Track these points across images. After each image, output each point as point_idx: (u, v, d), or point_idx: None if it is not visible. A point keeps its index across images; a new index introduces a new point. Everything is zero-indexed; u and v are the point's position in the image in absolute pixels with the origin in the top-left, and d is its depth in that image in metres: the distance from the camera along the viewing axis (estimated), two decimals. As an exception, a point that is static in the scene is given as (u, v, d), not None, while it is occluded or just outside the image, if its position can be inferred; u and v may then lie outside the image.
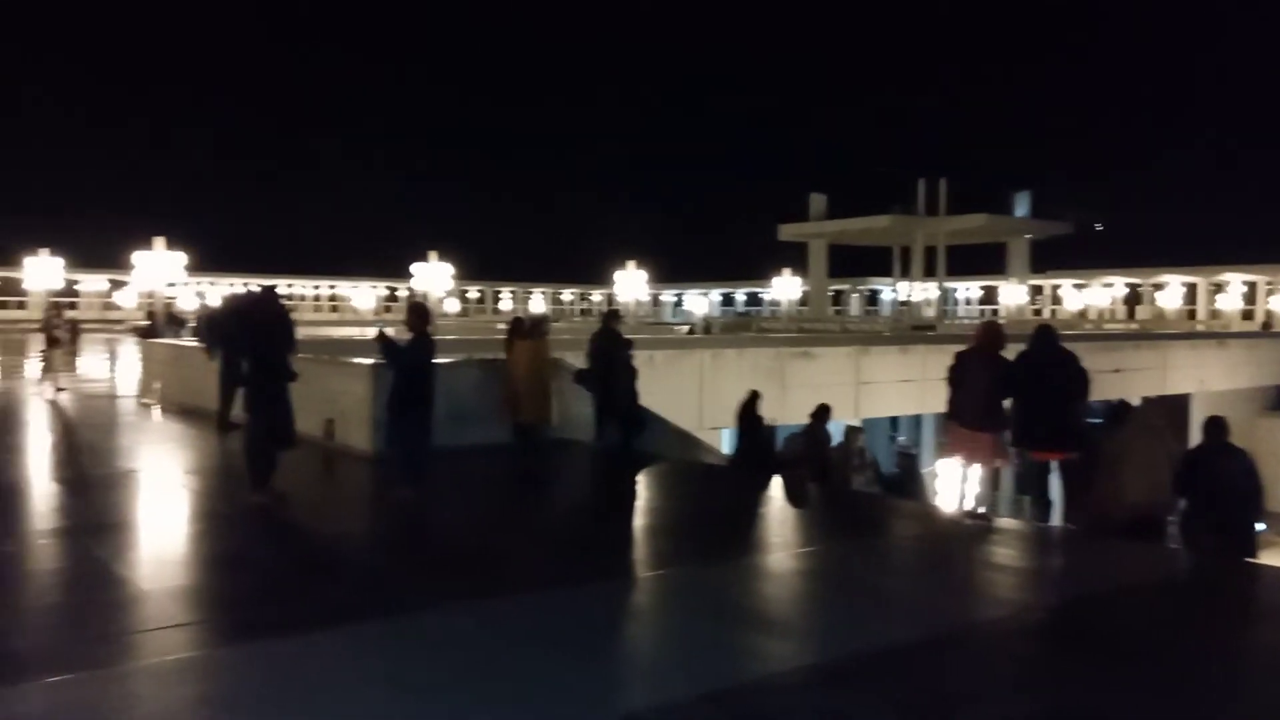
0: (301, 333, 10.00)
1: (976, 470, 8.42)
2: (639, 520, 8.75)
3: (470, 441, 11.03)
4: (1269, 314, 50.45)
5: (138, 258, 34.65)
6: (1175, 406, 27.69)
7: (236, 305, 10.56)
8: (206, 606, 5.86)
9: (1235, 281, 53.29)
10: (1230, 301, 53.91)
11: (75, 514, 8.31)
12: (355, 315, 63.00)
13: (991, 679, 4.81)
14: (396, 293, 66.57)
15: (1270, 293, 52.13)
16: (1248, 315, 53.08)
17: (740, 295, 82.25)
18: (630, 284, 46.51)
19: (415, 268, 44.00)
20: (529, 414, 10.96)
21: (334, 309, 68.60)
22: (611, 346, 11.12)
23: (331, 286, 70.14)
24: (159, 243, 34.33)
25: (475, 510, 8.85)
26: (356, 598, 5.89)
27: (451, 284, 46.55)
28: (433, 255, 43.49)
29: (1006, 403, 8.61)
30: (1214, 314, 54.43)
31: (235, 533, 7.70)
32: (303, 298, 67.19)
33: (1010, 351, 8.95)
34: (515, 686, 4.48)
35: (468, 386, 11.41)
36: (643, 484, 10.25)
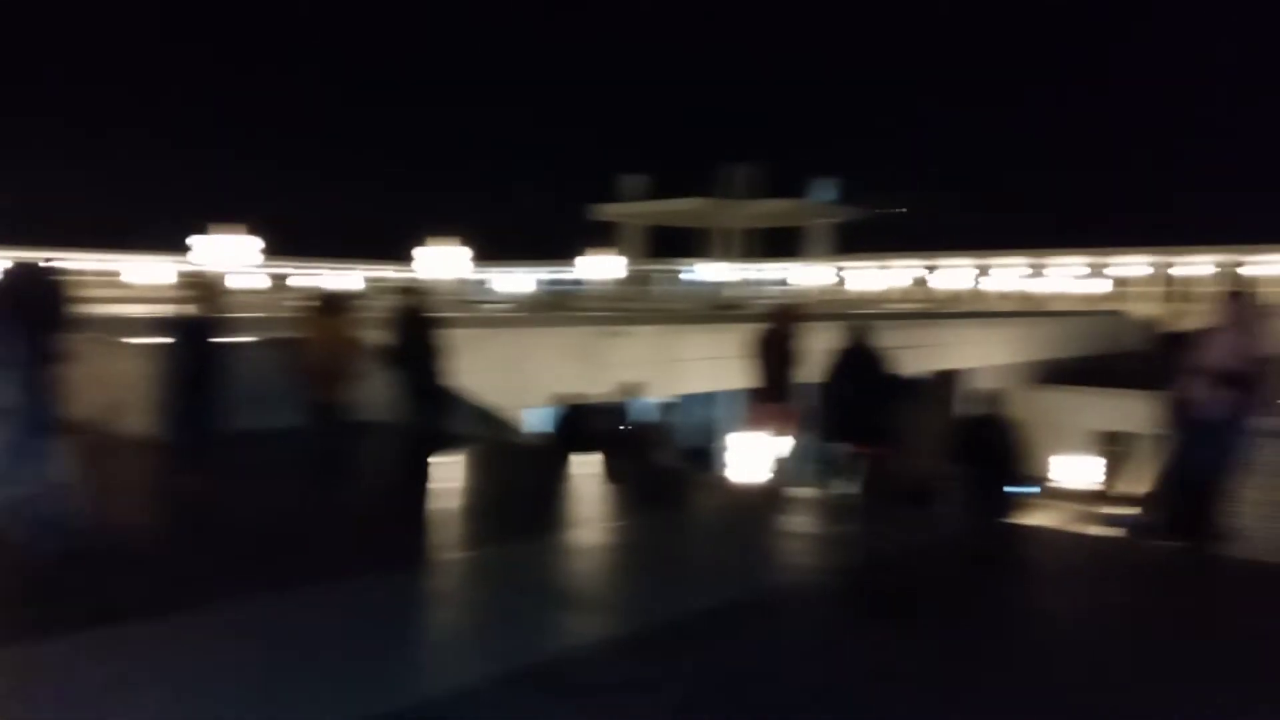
0: (79, 310, 9.18)
1: (778, 441, 8.79)
2: (445, 502, 8.60)
3: (267, 425, 10.47)
4: (1036, 295, 55.22)
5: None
6: (954, 380, 29.95)
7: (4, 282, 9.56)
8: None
9: (1008, 266, 57.91)
10: (1003, 284, 58.61)
11: None
12: (138, 292, 58.52)
13: (789, 642, 5.03)
14: (186, 269, 62.32)
15: (1035, 276, 56.97)
16: (1022, 296, 57.92)
17: (556, 275, 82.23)
18: (442, 262, 45.50)
19: (204, 241, 41.27)
20: (329, 395, 10.49)
21: (115, 285, 63.47)
22: (416, 325, 10.82)
23: (108, 261, 64.77)
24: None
25: (272, 496, 8.44)
26: (138, 592, 5.48)
27: (251, 260, 44.00)
28: (229, 230, 40.96)
29: (805, 382, 9.04)
30: (991, 295, 59.01)
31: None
32: (80, 273, 61.78)
33: (811, 330, 9.39)
34: (310, 677, 4.31)
35: (264, 367, 10.82)
36: (450, 465, 10.07)
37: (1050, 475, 30.51)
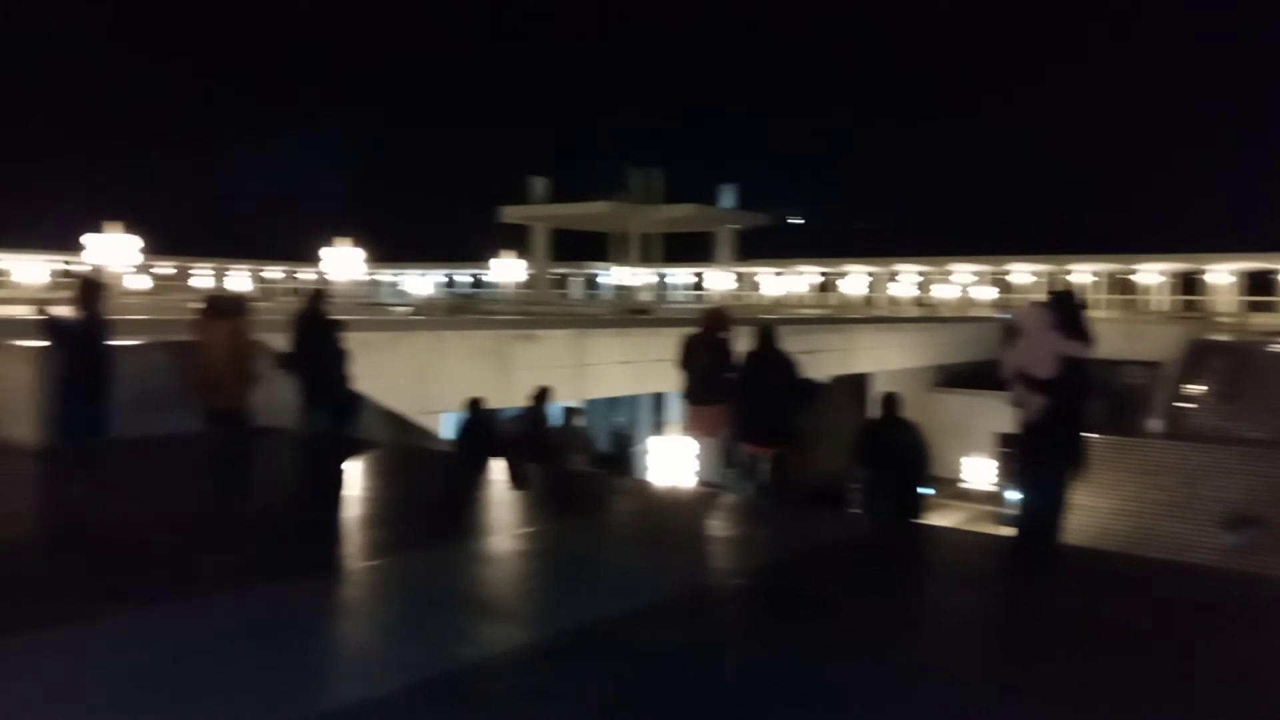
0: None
1: (707, 443, 8.86)
2: (351, 510, 8.35)
3: (159, 431, 10.04)
4: (935, 302, 56.97)
5: None
6: (857, 384, 30.66)
7: None
8: None
9: (907, 272, 59.58)
10: (903, 290, 60.27)
11: None
12: (18, 292, 55.59)
13: (704, 645, 5.02)
14: (70, 268, 59.47)
15: (933, 283, 58.75)
16: (920, 303, 59.68)
17: (462, 277, 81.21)
18: (343, 263, 44.45)
19: (90, 239, 39.37)
20: (226, 400, 10.13)
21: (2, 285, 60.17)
22: (318, 328, 10.53)
23: (-5, 260, 61.44)
24: None
25: (165, 505, 8.05)
26: (20, 606, 5.16)
27: (138, 259, 42.14)
28: (113, 227, 39.13)
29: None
30: (891, 301, 60.65)
31: None
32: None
33: (733, 334, 9.49)
34: (204, 692, 4.11)
35: (155, 370, 10.38)
36: (355, 472, 9.81)
37: (962, 476, 31.52)
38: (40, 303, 8.27)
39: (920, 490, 9.76)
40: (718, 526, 7.93)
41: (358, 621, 5.45)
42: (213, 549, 6.61)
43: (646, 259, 55.79)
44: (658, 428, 27.13)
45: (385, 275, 78.88)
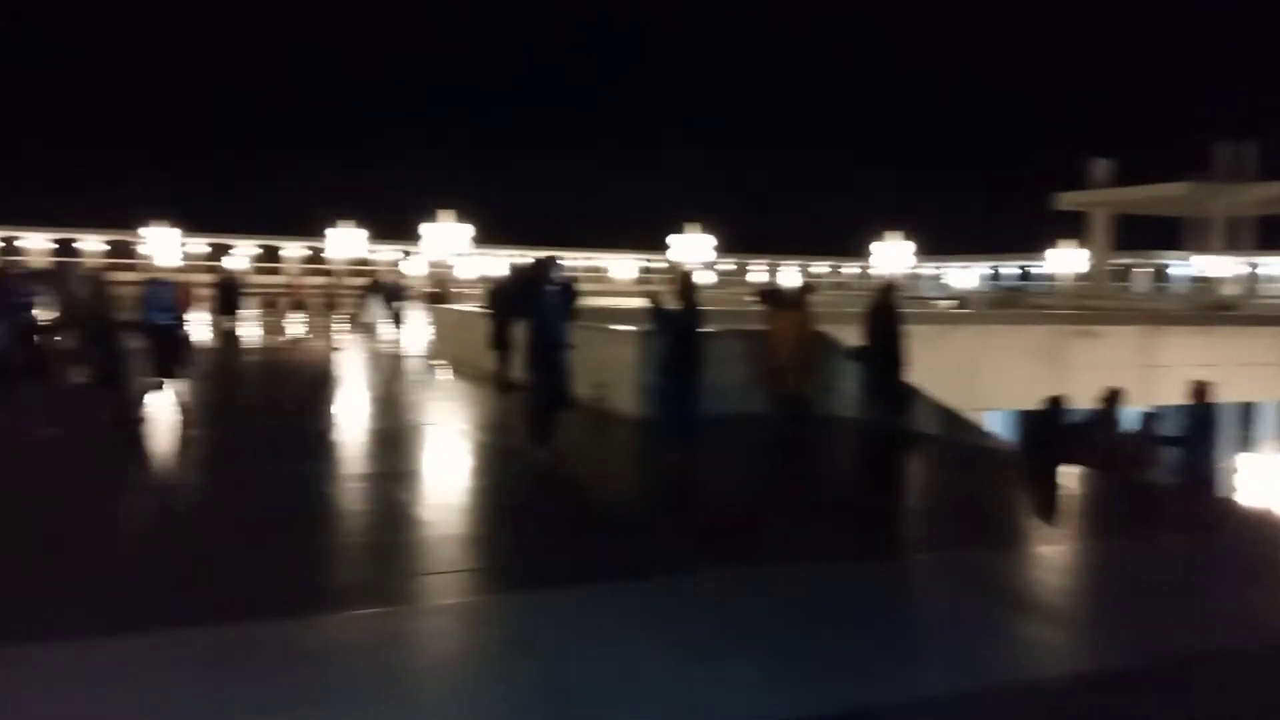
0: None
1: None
2: (912, 499, 8.46)
3: (731, 410, 11.10)
4: None
5: (426, 230, 37.53)
6: None
7: (521, 275, 11.18)
8: (493, 554, 6.26)
9: None
10: None
11: (379, 462, 9.18)
12: (614, 286, 65.16)
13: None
14: (652, 265, 68.16)
15: None
16: None
17: (1008, 269, 77.44)
18: (890, 256, 44.87)
19: (673, 240, 44.75)
20: (793, 385, 10.84)
21: (596, 279, 71.28)
22: (888, 321, 10.78)
23: (591, 258, 72.82)
24: (446, 216, 37.00)
25: (742, 478, 8.89)
26: (630, 556, 6.08)
27: (710, 256, 46.92)
28: (690, 228, 44.04)
29: None
30: None
31: (517, 486, 8.18)
32: (573, 269, 70.32)
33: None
34: (785, 655, 4.44)
35: (728, 356, 11.46)
36: (914, 463, 9.90)
37: None
38: (648, 295, 9.64)
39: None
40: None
41: (925, 610, 5.46)
42: (783, 522, 7.13)
43: (1233, 246, 47.93)
44: (1246, 443, 23.30)
45: (927, 268, 78.16)
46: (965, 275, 76.72)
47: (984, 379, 17.47)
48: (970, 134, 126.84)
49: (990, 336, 19.50)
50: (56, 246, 53.29)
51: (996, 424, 15.81)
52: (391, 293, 25.01)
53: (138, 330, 10.78)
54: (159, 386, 11.01)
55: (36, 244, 53.30)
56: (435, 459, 9.45)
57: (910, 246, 44.95)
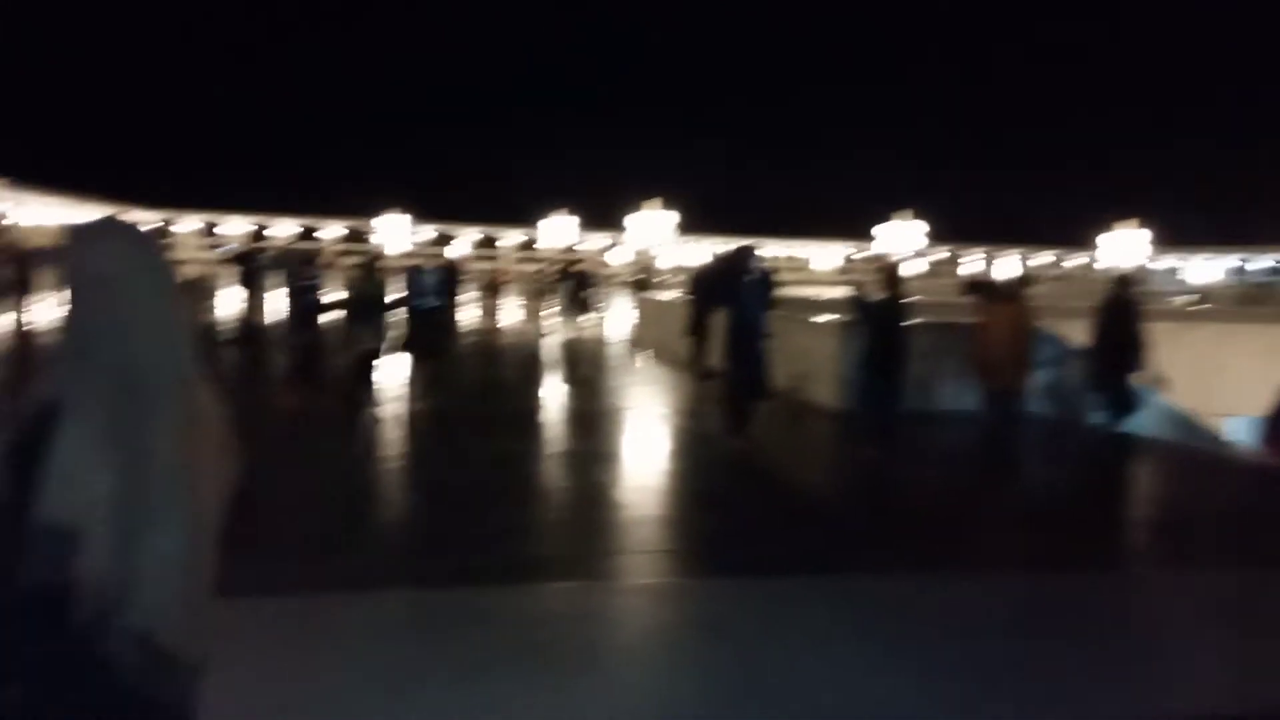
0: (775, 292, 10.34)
1: None
2: (1135, 510, 7.86)
3: (936, 407, 10.69)
4: None
5: (631, 219, 38.39)
6: None
7: (721, 264, 11.21)
8: (688, 538, 6.33)
9: None
10: None
11: (580, 441, 9.48)
12: (814, 276, 64.23)
13: None
14: (855, 255, 66.68)
15: None
16: None
17: (1260, 263, 70.21)
18: (1123, 247, 41.77)
19: (880, 229, 43.54)
20: (1005, 381, 10.28)
21: (795, 270, 70.48)
22: (1126, 318, 10.07)
23: (791, 249, 72.01)
24: (651, 204, 37.72)
25: (944, 477, 8.55)
26: (823, 548, 5.99)
27: (921, 245, 45.36)
28: (901, 217, 42.70)
29: None
30: None
31: (712, 473, 8.23)
32: (774, 258, 69.89)
33: None
34: (995, 666, 4.24)
35: (934, 350, 11.02)
36: (1135, 469, 9.20)
37: None
38: (854, 285, 9.43)
39: None
40: None
41: (1128, 633, 5.04)
42: (987, 526, 6.81)
43: None
44: None
45: (1164, 261, 72.17)
46: (1207, 269, 70.22)
47: (1222, 382, 15.95)
48: (1227, 110, 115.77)
49: (1233, 336, 17.76)
50: (301, 232, 58.32)
51: (1238, 431, 14.37)
52: (581, 281, 25.65)
53: (403, 312, 11.75)
54: (408, 363, 11.99)
55: (283, 230, 58.54)
56: (633, 442, 9.65)
57: (1145, 236, 41.65)
